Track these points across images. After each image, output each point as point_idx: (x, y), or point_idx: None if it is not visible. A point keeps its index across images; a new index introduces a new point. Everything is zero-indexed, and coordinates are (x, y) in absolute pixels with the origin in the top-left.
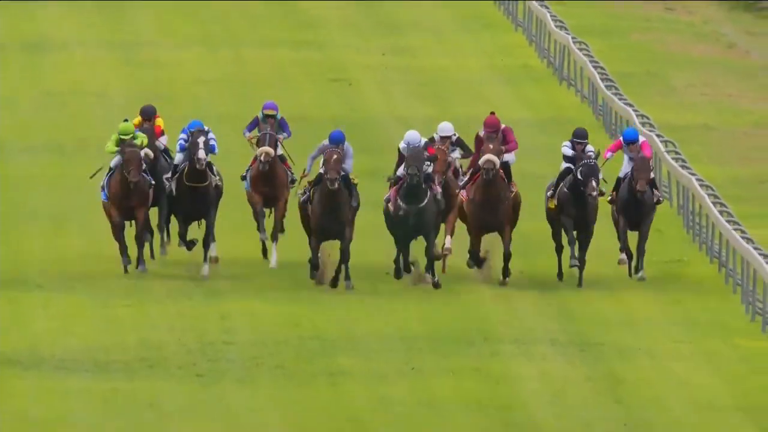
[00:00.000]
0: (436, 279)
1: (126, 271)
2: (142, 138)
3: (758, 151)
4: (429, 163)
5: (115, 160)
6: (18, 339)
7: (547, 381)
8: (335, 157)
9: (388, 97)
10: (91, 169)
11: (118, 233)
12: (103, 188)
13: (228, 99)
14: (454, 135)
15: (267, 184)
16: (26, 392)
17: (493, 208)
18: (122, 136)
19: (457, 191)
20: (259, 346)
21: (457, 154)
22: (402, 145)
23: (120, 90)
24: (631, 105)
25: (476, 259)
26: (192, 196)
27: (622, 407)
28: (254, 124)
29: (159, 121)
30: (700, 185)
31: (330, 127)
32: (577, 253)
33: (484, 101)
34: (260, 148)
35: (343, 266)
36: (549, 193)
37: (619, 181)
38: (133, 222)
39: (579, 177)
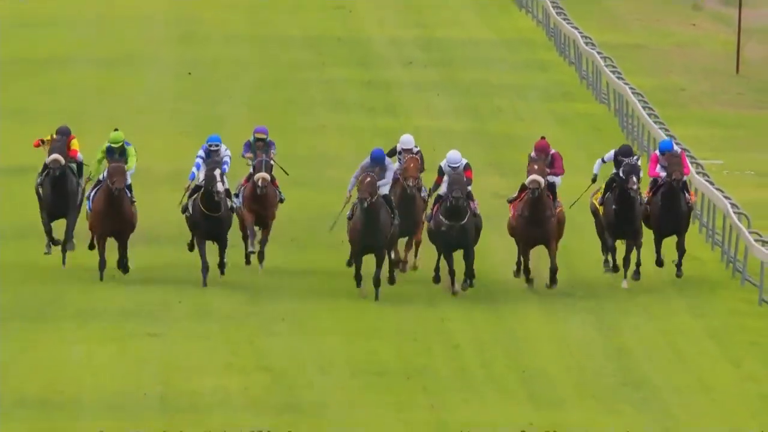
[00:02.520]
0: (469, 283)
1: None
2: (134, 157)
3: (679, 66)
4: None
5: (102, 174)
6: None
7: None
8: (368, 180)
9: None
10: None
11: (102, 243)
12: (89, 198)
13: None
14: (416, 147)
15: (259, 204)
16: None
17: (539, 224)
18: (112, 144)
19: (424, 200)
20: None
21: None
22: (443, 163)
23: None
24: (577, 28)
25: (526, 272)
26: (208, 221)
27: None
28: (247, 147)
29: (74, 143)
30: (633, 93)
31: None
32: (615, 260)
33: (459, 24)
34: (257, 174)
35: (379, 275)
36: (598, 201)
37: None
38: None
39: (621, 176)
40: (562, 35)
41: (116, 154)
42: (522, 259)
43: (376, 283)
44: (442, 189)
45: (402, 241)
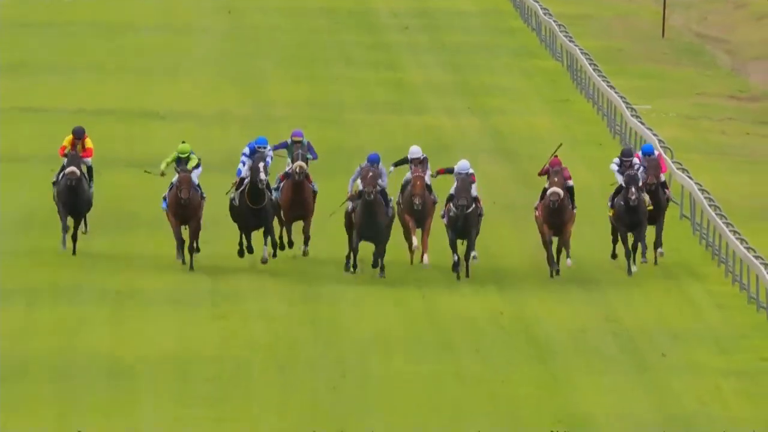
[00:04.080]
0: (474, 259)
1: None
2: (196, 159)
3: (618, 31)
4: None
5: (174, 178)
6: None
7: None
8: (371, 174)
9: None
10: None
11: (178, 232)
12: (164, 198)
13: None
14: (423, 156)
15: (295, 195)
16: None
17: (557, 223)
18: (180, 155)
19: (433, 202)
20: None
21: (428, 178)
22: (455, 168)
23: None
24: (537, 1)
25: (550, 261)
26: (252, 212)
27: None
28: (284, 146)
29: (88, 141)
30: (581, 53)
31: None
32: (633, 267)
33: None
34: (295, 163)
35: (379, 261)
36: (609, 204)
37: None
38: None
39: (623, 185)
40: (525, 7)
41: (183, 163)
42: (545, 247)
43: (375, 263)
44: (452, 189)
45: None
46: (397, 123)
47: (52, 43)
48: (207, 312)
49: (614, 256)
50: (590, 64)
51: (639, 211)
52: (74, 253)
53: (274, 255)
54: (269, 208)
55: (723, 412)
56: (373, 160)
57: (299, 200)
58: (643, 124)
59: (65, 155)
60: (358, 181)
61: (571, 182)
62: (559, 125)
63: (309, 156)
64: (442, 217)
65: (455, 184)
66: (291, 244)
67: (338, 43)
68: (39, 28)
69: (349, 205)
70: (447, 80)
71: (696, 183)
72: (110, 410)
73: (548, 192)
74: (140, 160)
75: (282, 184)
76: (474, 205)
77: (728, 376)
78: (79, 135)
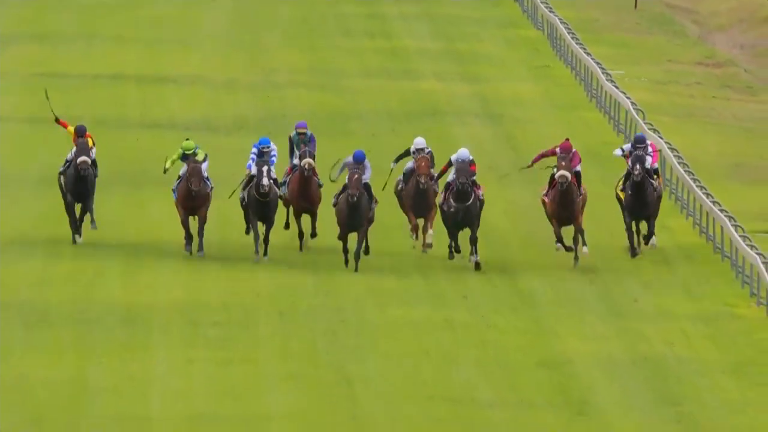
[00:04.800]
0: (477, 258)
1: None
2: (202, 153)
3: (594, 2)
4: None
5: (182, 170)
6: None
7: None
8: (356, 176)
9: None
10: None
11: (186, 222)
12: (174, 190)
13: None
14: (427, 148)
15: (304, 189)
16: None
17: (567, 206)
18: (185, 152)
19: (436, 191)
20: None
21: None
22: (453, 157)
23: None
24: None
25: (561, 242)
26: (259, 205)
27: None
28: (289, 140)
29: (89, 141)
30: (561, 22)
31: None
32: (638, 246)
33: None
34: (304, 160)
35: (362, 251)
36: (620, 188)
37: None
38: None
39: (629, 165)
40: None
41: (190, 158)
42: (556, 233)
43: (357, 256)
44: (450, 177)
45: (419, 222)
46: (391, 88)
47: (73, 15)
48: (214, 264)
49: (633, 252)
50: (569, 33)
51: (647, 195)
52: (74, 242)
53: (265, 253)
54: (273, 203)
55: (689, 354)
56: (359, 158)
57: (306, 194)
58: (617, 88)
59: (65, 128)
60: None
61: (579, 167)
62: (541, 89)
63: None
64: (441, 206)
65: (453, 171)
66: (302, 235)
67: (337, 16)
68: (61, 2)
69: (334, 199)
70: (438, 48)
71: (666, 142)
72: (125, 353)
73: (557, 175)
74: (153, 121)
75: (289, 178)
76: (473, 194)
77: (695, 321)
78: (81, 133)
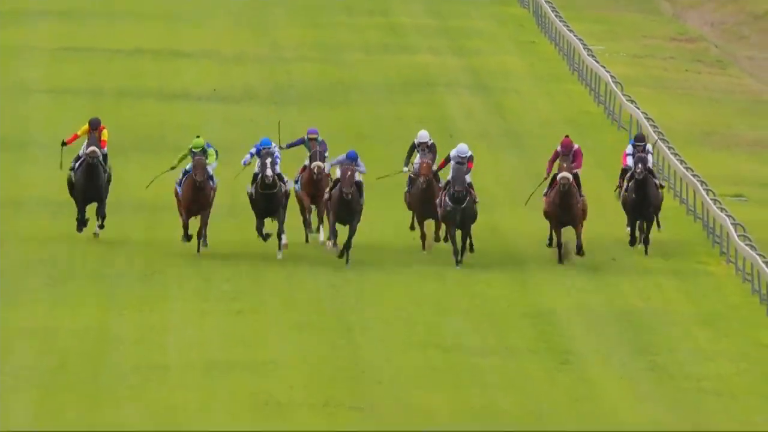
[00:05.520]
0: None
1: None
2: (213, 155)
3: None
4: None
5: (188, 166)
6: None
7: None
8: (349, 174)
9: None
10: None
11: (187, 224)
12: (178, 184)
13: None
14: (430, 140)
15: (315, 188)
16: None
17: (568, 209)
18: (194, 149)
19: (439, 187)
20: None
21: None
22: (453, 152)
23: None
24: None
25: (558, 246)
26: (265, 200)
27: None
28: (300, 142)
29: (104, 133)
30: (545, 1)
31: None
32: (634, 236)
33: None
34: (314, 163)
35: (350, 241)
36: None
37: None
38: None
39: (631, 165)
40: None
41: (198, 156)
42: (554, 235)
43: (347, 246)
44: (449, 174)
45: (429, 223)
46: (388, 61)
47: None
48: (227, 223)
49: (630, 241)
50: (552, 11)
51: (649, 195)
52: (79, 231)
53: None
54: (280, 197)
55: (663, 307)
56: (352, 158)
57: (318, 194)
58: (597, 62)
59: (75, 139)
60: (337, 170)
61: (578, 170)
62: (526, 63)
63: (327, 154)
64: (439, 205)
65: (451, 171)
66: (308, 224)
67: None
68: None
69: (326, 193)
70: (432, 25)
71: (642, 112)
72: (144, 306)
73: (558, 176)
74: (169, 93)
75: (301, 176)
76: (468, 197)
77: (669, 277)
78: (95, 126)
